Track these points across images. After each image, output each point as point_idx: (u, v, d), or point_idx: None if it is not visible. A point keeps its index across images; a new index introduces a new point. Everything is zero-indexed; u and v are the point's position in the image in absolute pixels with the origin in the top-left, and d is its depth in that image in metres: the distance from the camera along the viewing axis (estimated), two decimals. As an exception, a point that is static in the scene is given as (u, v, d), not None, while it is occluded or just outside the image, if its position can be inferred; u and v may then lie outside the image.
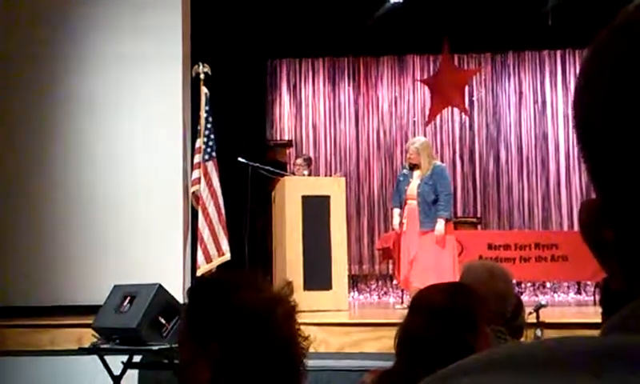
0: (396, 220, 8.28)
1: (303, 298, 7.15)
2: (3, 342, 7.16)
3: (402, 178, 8.28)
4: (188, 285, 8.47)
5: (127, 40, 8.64)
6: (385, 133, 12.04)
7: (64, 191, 8.46)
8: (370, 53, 11.86)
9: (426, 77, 11.92)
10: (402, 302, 8.51)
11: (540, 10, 10.36)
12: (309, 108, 12.13)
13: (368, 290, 11.38)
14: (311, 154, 11.35)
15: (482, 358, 0.52)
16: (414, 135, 11.67)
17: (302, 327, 1.77)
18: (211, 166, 8.40)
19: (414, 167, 8.13)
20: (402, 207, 8.21)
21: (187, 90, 8.83)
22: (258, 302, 1.69)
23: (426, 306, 2.16)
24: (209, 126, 8.49)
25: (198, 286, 1.87)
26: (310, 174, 9.53)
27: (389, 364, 2.22)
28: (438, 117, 11.84)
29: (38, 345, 7.13)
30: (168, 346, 5.47)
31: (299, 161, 9.69)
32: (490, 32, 11.03)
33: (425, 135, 11.78)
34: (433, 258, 7.83)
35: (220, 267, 8.20)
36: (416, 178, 8.07)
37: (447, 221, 8.00)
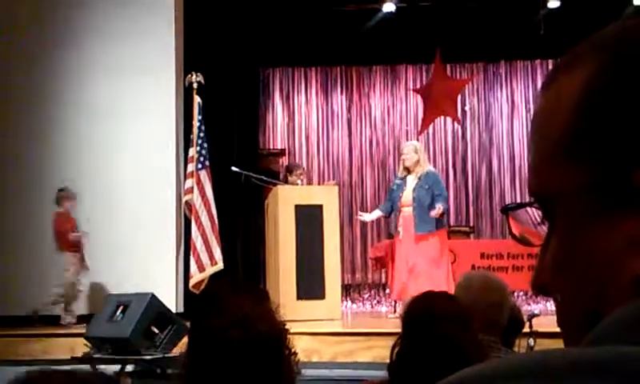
0: (373, 215, 8.47)
1: (296, 307, 7.13)
2: (-5, 352, 7.13)
3: (395, 187, 8.28)
4: (181, 294, 8.46)
5: (121, 49, 8.64)
6: (377, 142, 12.05)
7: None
8: (363, 62, 11.87)
9: (418, 86, 11.94)
10: (395, 311, 8.50)
11: (532, 19, 10.39)
12: (302, 117, 12.13)
13: (361, 299, 11.37)
14: (304, 163, 11.34)
15: (500, 365, 0.52)
16: (407, 144, 11.67)
17: (294, 337, 1.77)
18: (204, 175, 8.39)
19: (408, 171, 8.13)
20: (390, 214, 8.27)
21: (180, 99, 8.84)
22: (249, 341, 1.69)
23: (438, 313, 2.14)
24: (202, 135, 8.49)
25: (194, 326, 1.87)
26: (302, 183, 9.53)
27: (381, 374, 2.22)
28: (431, 126, 11.86)
29: (30, 354, 7.10)
30: (160, 355, 5.46)
31: (300, 170, 9.65)
32: (482, 41, 11.06)
33: (417, 144, 11.79)
34: (428, 268, 7.84)
35: (213, 277, 8.17)
36: (410, 183, 8.07)
37: (441, 228, 8.04)
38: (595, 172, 0.55)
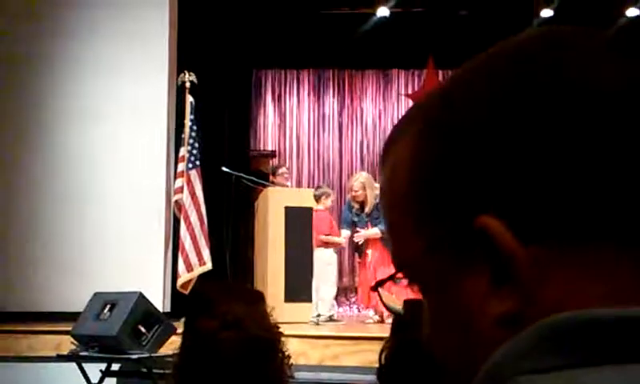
0: (346, 236, 8.60)
1: (284, 310, 7.11)
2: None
3: (357, 219, 8.38)
4: (169, 294, 8.45)
5: (114, 47, 8.61)
6: (368, 145, 12.07)
7: (45, 198, 8.41)
8: (356, 66, 11.89)
9: (410, 91, 11.96)
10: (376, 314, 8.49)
11: (524, 27, 10.41)
12: (293, 119, 12.14)
13: (349, 302, 11.37)
14: (294, 165, 11.34)
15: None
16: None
17: (284, 339, 1.77)
18: (194, 175, 8.38)
19: (362, 205, 8.26)
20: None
21: (172, 98, 8.82)
22: (242, 343, 1.68)
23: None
24: (193, 134, 8.47)
25: (187, 327, 1.86)
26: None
27: (368, 378, 2.22)
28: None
29: (16, 350, 7.07)
30: (147, 354, 5.44)
31: (283, 170, 9.66)
32: (474, 49, 10.94)
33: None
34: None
35: (201, 277, 8.14)
36: (369, 216, 8.26)
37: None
38: (435, 234, 0.56)
